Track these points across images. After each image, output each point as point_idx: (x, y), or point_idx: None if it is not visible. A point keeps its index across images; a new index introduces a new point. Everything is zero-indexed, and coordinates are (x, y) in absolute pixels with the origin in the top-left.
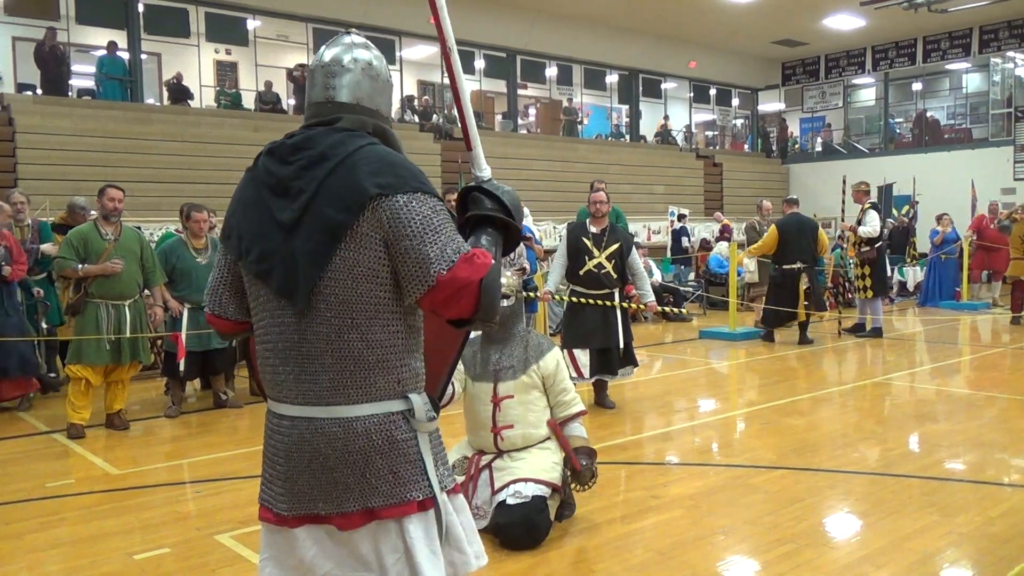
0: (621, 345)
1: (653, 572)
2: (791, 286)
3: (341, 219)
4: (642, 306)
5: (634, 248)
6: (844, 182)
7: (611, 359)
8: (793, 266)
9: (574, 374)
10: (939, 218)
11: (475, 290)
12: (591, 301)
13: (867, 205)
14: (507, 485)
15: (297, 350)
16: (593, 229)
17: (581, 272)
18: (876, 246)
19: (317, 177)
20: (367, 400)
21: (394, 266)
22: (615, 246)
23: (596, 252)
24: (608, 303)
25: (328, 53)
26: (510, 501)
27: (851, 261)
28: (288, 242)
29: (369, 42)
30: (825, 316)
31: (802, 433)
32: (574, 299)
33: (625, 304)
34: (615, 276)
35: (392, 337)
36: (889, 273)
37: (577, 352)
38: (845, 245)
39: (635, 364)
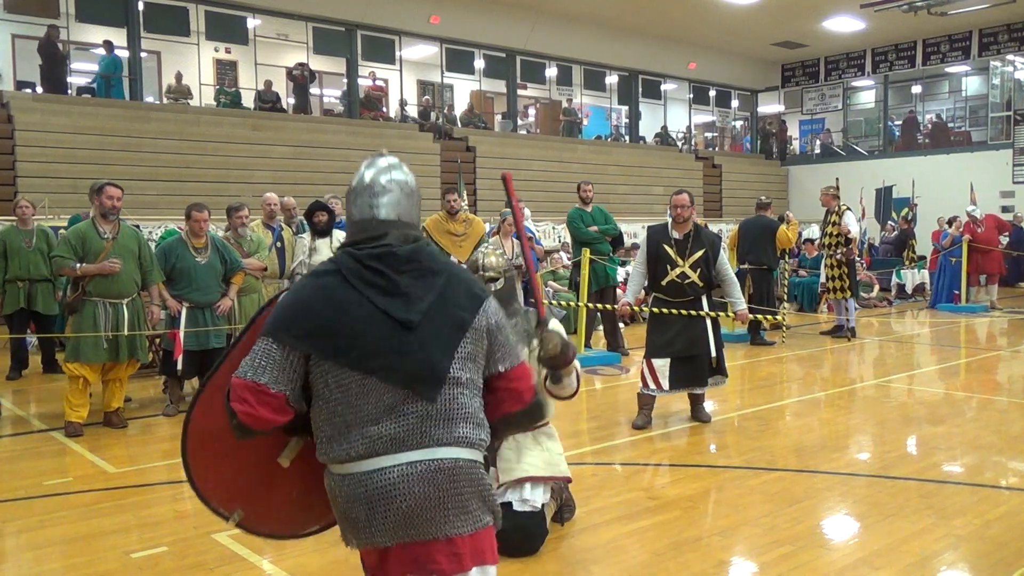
0: (713, 354)
1: (651, 573)
2: (742, 286)
3: (466, 316)
4: (732, 314)
5: (722, 251)
6: (836, 183)
7: (699, 368)
8: (743, 267)
9: (652, 386)
10: (950, 221)
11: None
12: (676, 311)
13: (844, 207)
14: (519, 483)
15: (421, 428)
16: (675, 234)
17: (663, 282)
18: (850, 247)
19: (436, 286)
20: (477, 444)
21: (491, 348)
22: (700, 253)
23: (679, 260)
24: (695, 312)
25: (368, 174)
26: (516, 507)
27: (825, 262)
28: (409, 339)
29: (400, 162)
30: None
31: (800, 435)
32: (656, 310)
33: (714, 314)
34: (701, 285)
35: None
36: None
37: (656, 362)
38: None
39: (726, 375)
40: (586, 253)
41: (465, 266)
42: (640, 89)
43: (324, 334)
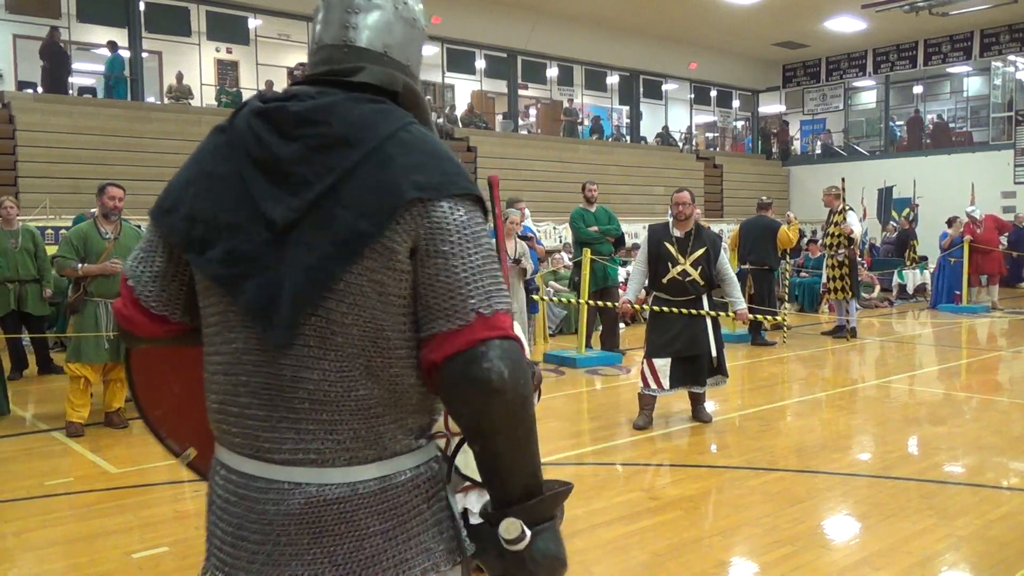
0: (713, 353)
1: (651, 573)
2: (743, 286)
3: (362, 228)
4: (732, 314)
5: (723, 251)
6: (842, 183)
7: (700, 368)
8: (744, 267)
9: (653, 385)
10: (949, 221)
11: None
12: (675, 310)
13: (847, 207)
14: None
15: (286, 394)
16: (677, 233)
17: (664, 280)
18: (852, 247)
19: (333, 168)
20: (404, 452)
21: (415, 285)
22: (701, 251)
23: (680, 259)
24: (695, 311)
25: None
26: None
27: (826, 262)
28: (276, 248)
29: None
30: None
31: (801, 435)
32: (656, 308)
33: (715, 313)
34: (702, 283)
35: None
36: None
37: (657, 362)
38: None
39: (726, 375)
40: (587, 253)
41: None
42: (641, 89)
43: (181, 212)
